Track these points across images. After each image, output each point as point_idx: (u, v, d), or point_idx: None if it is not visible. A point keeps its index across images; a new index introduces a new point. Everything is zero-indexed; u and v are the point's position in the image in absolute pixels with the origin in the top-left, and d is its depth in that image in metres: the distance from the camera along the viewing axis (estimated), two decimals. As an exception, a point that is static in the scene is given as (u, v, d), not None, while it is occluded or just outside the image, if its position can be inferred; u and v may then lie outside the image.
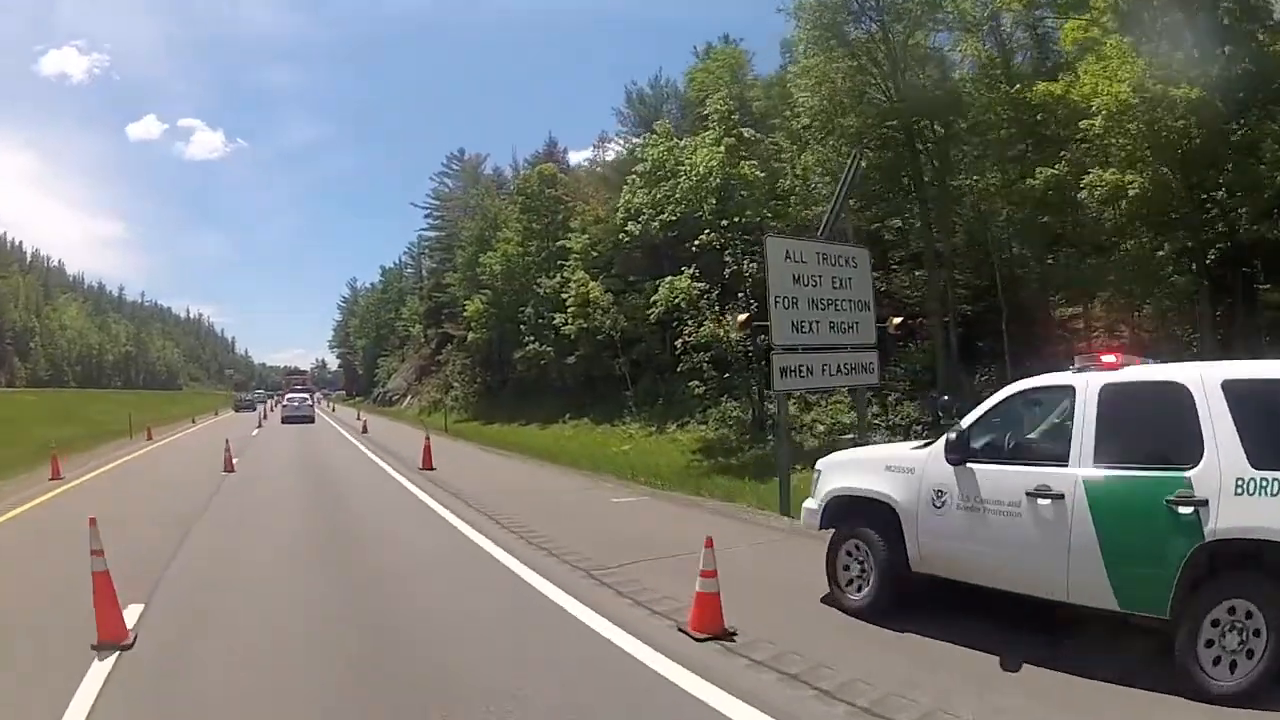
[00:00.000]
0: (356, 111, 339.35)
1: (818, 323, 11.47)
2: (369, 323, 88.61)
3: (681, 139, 25.37)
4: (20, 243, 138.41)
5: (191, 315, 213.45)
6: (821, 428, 22.56)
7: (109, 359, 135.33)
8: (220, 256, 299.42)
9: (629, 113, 45.52)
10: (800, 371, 11.45)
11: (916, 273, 24.50)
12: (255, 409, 51.53)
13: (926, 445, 6.07)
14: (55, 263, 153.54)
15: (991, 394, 6.09)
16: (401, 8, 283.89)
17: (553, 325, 35.26)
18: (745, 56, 36.16)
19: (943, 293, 21.85)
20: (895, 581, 5.90)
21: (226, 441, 16.20)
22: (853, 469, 6.61)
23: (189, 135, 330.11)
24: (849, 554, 6.28)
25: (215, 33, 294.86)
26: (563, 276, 36.54)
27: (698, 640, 5.43)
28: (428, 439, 15.99)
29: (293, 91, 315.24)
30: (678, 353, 25.26)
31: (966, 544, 5.47)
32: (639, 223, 25.68)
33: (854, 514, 6.30)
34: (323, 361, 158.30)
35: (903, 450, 6.46)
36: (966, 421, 5.73)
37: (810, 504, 6.71)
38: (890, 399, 21.61)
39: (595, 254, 37.10)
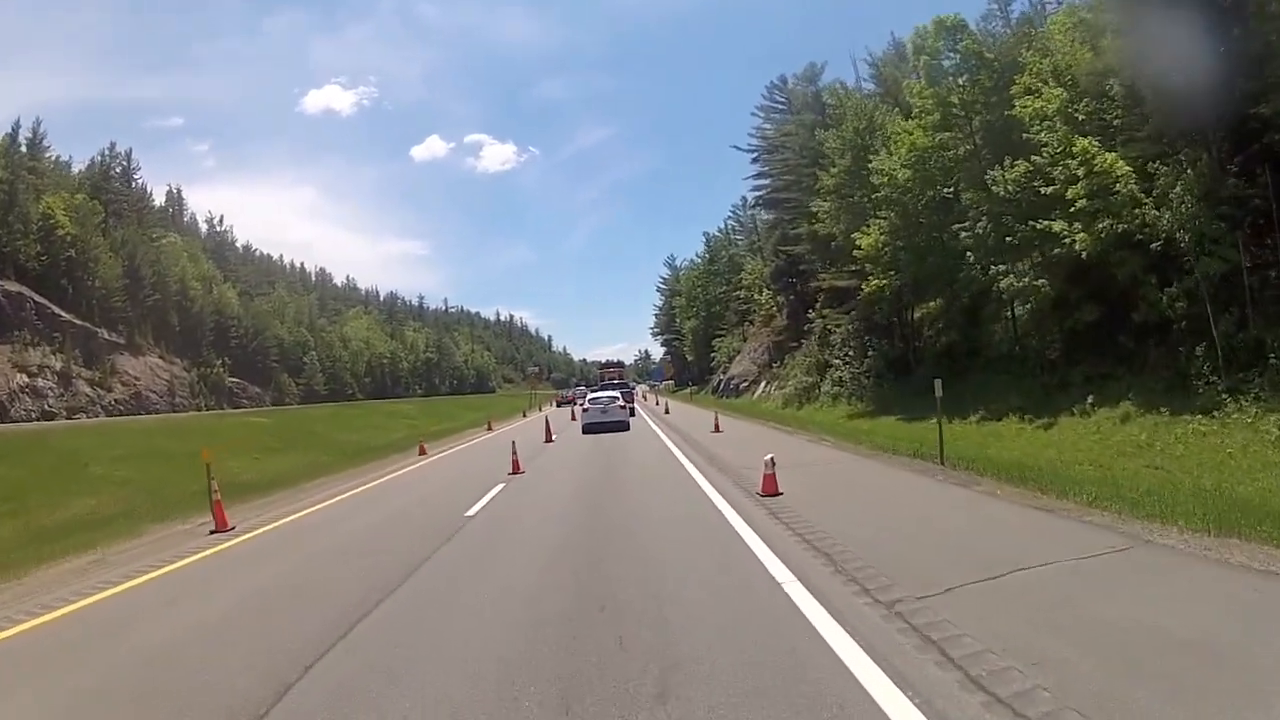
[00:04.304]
0: (638, 103, 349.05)
1: None
2: (696, 300, 77.79)
3: None
4: (301, 264, 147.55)
5: (502, 318, 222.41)
6: None
7: (404, 367, 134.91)
8: (527, 262, 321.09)
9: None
10: None
11: None
12: (578, 403, 42.11)
13: None
14: (343, 280, 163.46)
15: None
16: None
17: (1038, 238, 19.96)
18: None
19: None
20: None
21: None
22: None
23: (477, 150, 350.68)
24: None
25: (480, 52, 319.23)
26: (1032, 160, 21.12)
27: None
28: None
29: (572, 96, 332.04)
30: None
31: None
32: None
33: None
34: (646, 352, 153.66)
35: None
36: None
37: None
38: None
39: (1079, 114, 21.14)
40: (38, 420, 53.69)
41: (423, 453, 24.79)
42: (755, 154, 57.41)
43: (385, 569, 7.71)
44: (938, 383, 12.83)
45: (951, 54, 26.58)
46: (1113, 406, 18.66)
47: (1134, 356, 19.64)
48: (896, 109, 31.87)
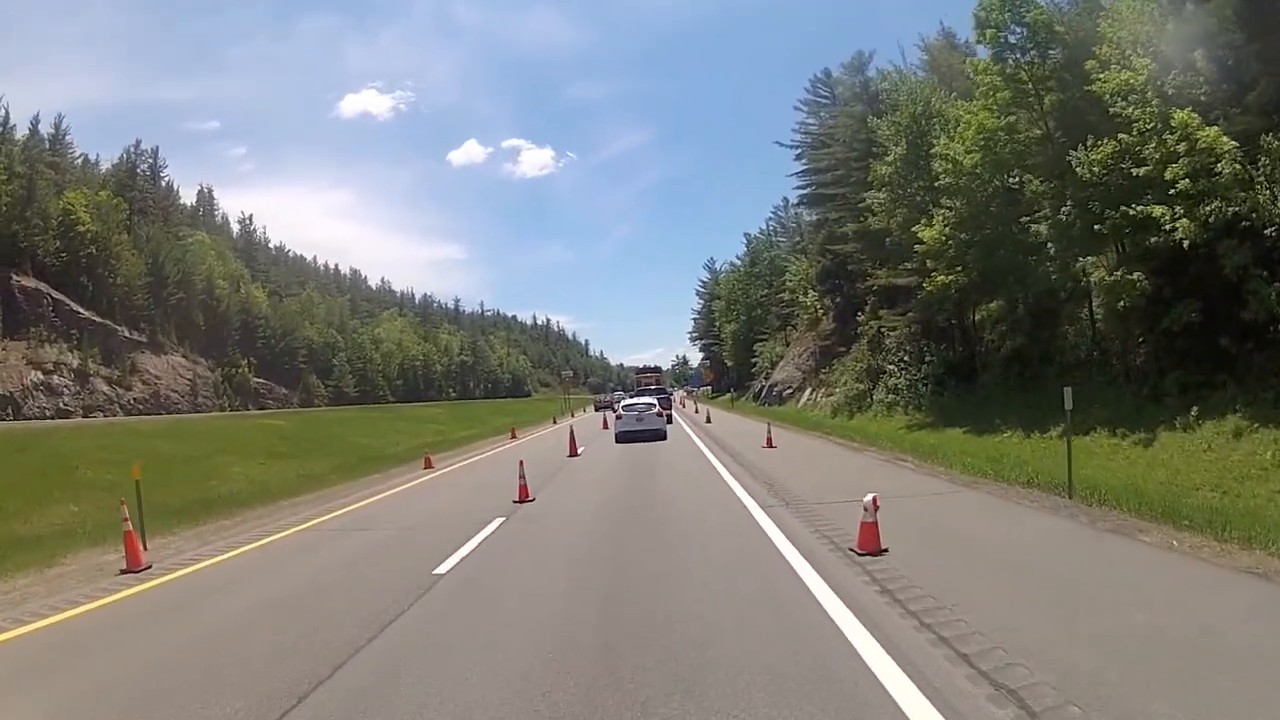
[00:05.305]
0: (676, 106, 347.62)
1: None
2: (736, 304, 75.42)
3: None
4: (335, 266, 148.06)
5: (539, 322, 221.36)
6: None
7: (437, 370, 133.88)
8: (565, 265, 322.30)
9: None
10: None
11: None
12: (615, 409, 38.65)
13: None
14: (377, 282, 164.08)
15: None
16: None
17: (1129, 226, 17.36)
18: None
19: None
20: None
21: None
22: None
23: (515, 155, 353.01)
24: None
25: (517, 56, 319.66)
26: (1119, 139, 18.48)
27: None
28: None
29: (609, 101, 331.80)
30: None
31: None
32: None
33: None
34: (683, 358, 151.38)
35: None
36: None
37: None
38: None
39: (1168, 87, 18.35)
40: (51, 418, 52.88)
41: (428, 466, 22.24)
42: (799, 150, 55.00)
43: (275, 680, 4.99)
44: (1067, 391, 10.32)
45: (1017, 28, 24.07)
46: (1219, 420, 15.95)
47: (1236, 362, 16.94)
48: (954, 95, 29.38)
